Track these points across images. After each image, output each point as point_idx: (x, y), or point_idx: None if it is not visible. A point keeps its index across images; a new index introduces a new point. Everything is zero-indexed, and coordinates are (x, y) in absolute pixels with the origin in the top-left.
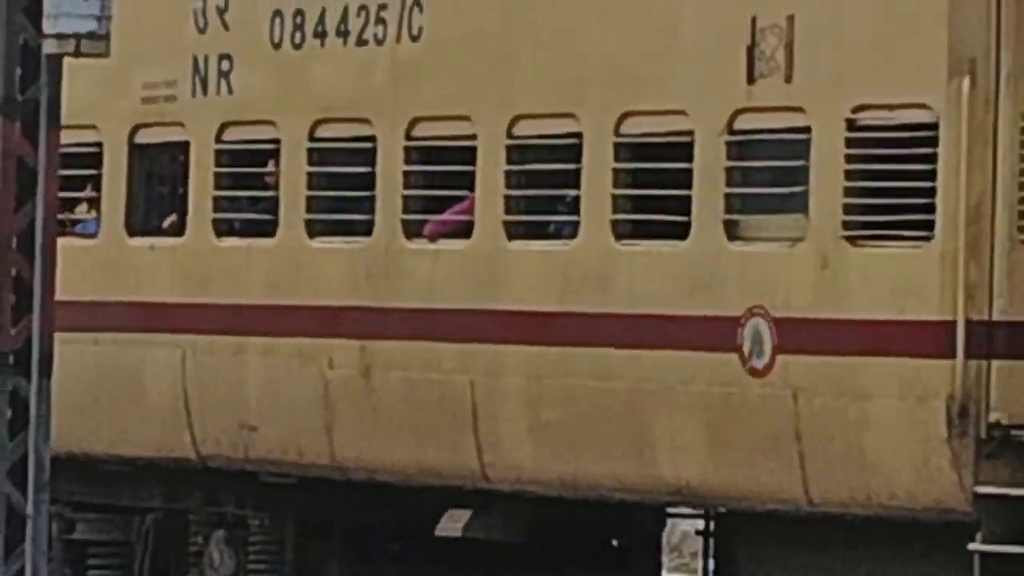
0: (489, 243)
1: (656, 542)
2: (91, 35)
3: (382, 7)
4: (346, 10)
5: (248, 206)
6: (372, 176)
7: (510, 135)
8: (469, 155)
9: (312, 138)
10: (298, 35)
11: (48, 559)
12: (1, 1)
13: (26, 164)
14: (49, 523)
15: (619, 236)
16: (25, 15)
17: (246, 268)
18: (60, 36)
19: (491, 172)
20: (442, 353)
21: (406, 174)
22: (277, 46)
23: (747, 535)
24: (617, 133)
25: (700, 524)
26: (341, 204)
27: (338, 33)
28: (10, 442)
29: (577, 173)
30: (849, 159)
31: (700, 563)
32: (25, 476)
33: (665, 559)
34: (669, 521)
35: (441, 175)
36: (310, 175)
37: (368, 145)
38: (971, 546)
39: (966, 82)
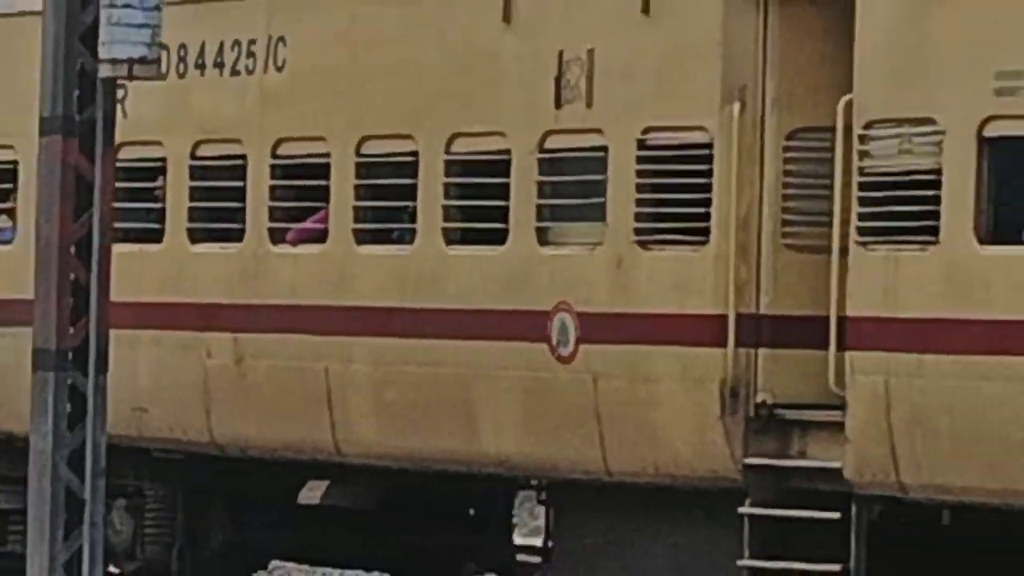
0: (341, 248)
1: (509, 510)
2: (142, 60)
3: (252, 42)
4: (222, 45)
5: (140, 216)
6: (243, 190)
7: (359, 153)
8: (324, 171)
9: (193, 156)
10: (182, 66)
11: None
12: (60, 29)
13: (84, 178)
14: (103, 507)
15: (449, 242)
16: (82, 42)
17: (138, 270)
18: (114, 61)
19: (343, 186)
20: (302, 344)
21: (272, 188)
22: (164, 76)
23: (570, 502)
24: (448, 152)
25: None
26: (218, 214)
27: (215, 65)
28: (69, 432)
29: (414, 187)
30: (639, 174)
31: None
32: (83, 464)
33: (517, 525)
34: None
35: (301, 189)
36: (192, 189)
37: (240, 162)
38: (741, 510)
39: (736, 107)
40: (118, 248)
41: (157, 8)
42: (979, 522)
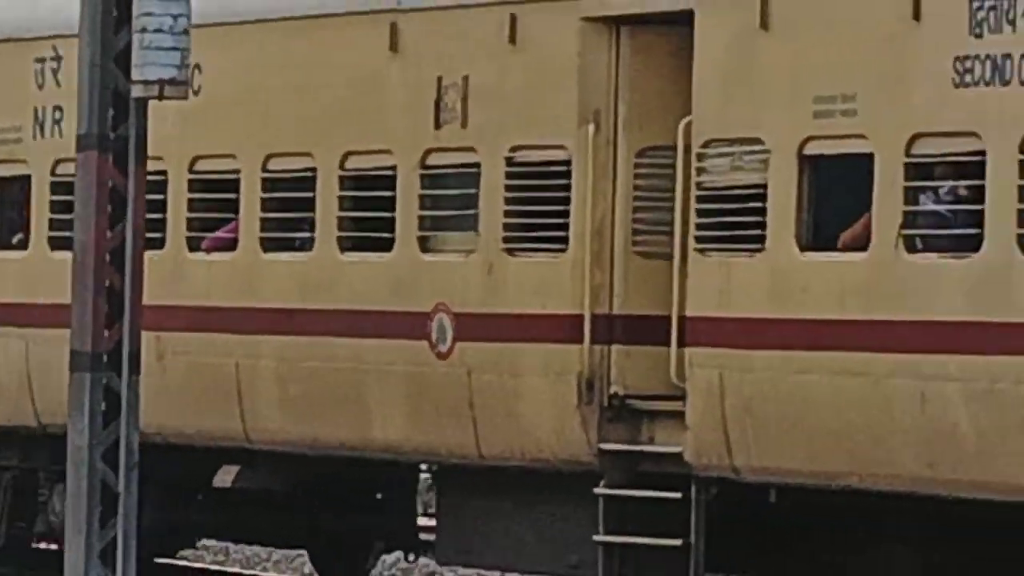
0: (249, 255)
1: (413, 493)
2: (172, 81)
3: None
4: None
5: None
6: (164, 202)
7: (265, 169)
8: (235, 185)
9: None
10: None
11: None
12: (96, 51)
13: (118, 191)
14: (136, 499)
15: (343, 249)
16: (116, 64)
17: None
18: (146, 82)
19: (251, 199)
20: (215, 341)
21: (189, 201)
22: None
23: (452, 484)
24: (342, 168)
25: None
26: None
27: None
28: (104, 429)
29: (313, 200)
30: (508, 188)
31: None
32: (117, 458)
33: (421, 506)
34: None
35: (215, 201)
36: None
37: (162, 178)
38: (596, 490)
39: (591, 128)
40: (55, 255)
41: (185, 33)
42: (802, 500)
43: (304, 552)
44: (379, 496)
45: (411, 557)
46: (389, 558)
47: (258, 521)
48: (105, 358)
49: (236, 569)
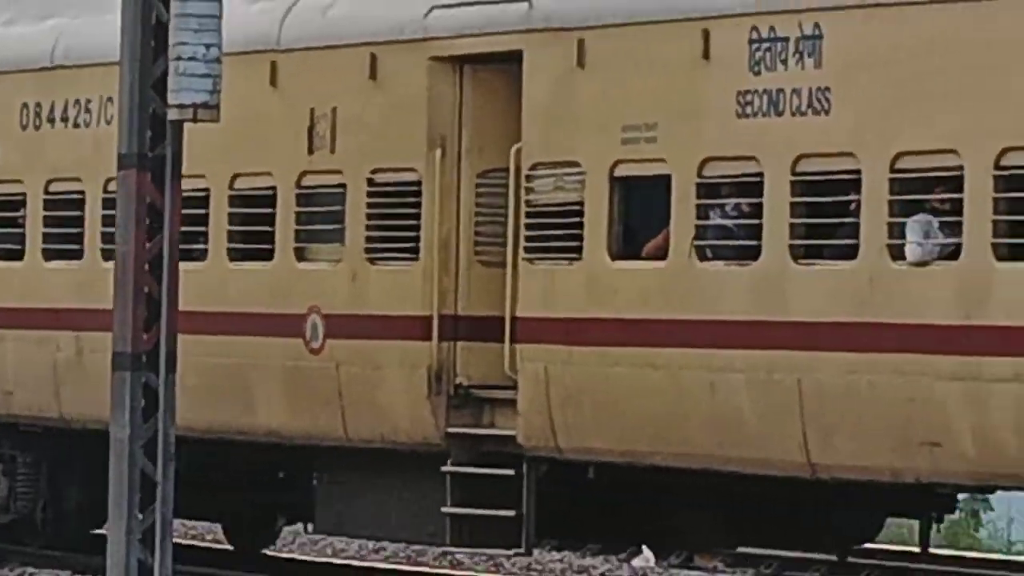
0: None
1: (311, 471)
2: (204, 105)
3: (88, 101)
4: (66, 103)
5: (5, 238)
6: (83, 218)
7: None
8: None
9: (46, 192)
10: (37, 120)
11: None
12: (135, 78)
13: (155, 206)
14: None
15: (232, 259)
16: (154, 89)
17: (5, 282)
18: (181, 106)
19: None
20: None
21: (103, 216)
22: (24, 127)
23: (329, 464)
24: (231, 188)
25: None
26: (64, 238)
27: (61, 119)
28: (143, 424)
29: (207, 216)
30: (369, 206)
31: None
32: (155, 450)
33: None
34: None
35: None
36: (45, 218)
37: (80, 196)
38: (444, 468)
39: (439, 153)
40: None
41: (217, 61)
42: (617, 476)
43: (217, 523)
44: (281, 475)
45: (310, 527)
46: (290, 529)
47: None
48: (144, 358)
49: None
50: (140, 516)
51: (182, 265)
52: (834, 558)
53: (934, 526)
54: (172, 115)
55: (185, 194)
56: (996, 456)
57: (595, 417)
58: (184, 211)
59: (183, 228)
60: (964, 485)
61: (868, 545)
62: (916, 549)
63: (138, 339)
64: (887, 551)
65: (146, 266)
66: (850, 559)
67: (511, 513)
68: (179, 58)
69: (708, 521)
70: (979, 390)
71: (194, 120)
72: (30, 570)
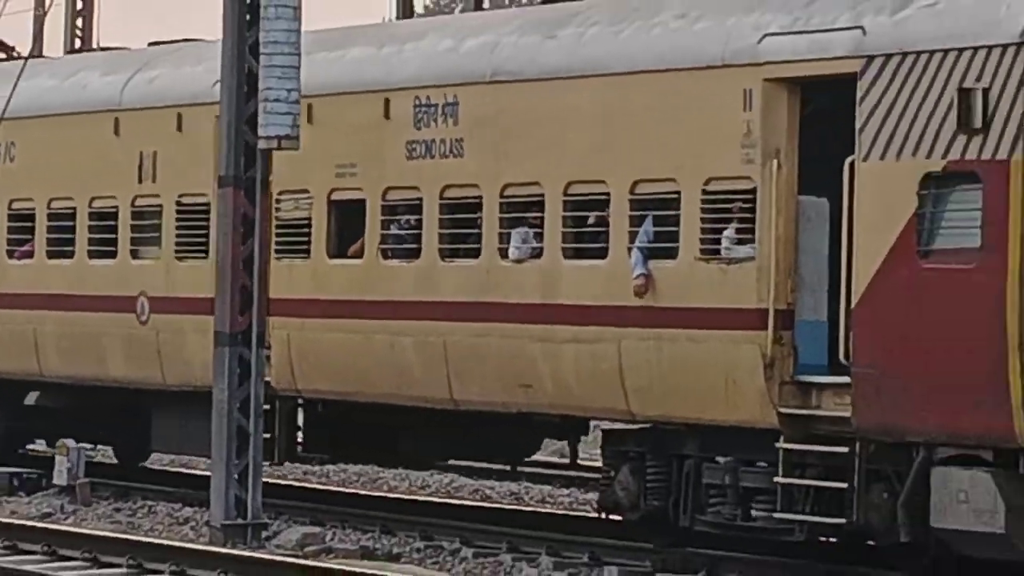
0: (39, 261)
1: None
2: (287, 136)
3: None
4: None
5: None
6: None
7: (50, 207)
8: (32, 218)
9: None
10: None
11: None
12: (232, 115)
13: (248, 217)
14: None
15: (90, 257)
16: (247, 124)
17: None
18: (268, 137)
19: (40, 228)
20: (20, 315)
21: (8, 228)
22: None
23: (158, 403)
24: (90, 207)
25: None
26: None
27: None
28: (239, 387)
29: (74, 227)
30: (177, 221)
31: None
32: (248, 408)
33: None
34: None
35: (23, 229)
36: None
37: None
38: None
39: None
40: None
41: (296, 102)
42: (338, 409)
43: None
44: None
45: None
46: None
47: (59, 427)
48: (239, 337)
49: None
50: (236, 460)
51: (57, 261)
52: (507, 467)
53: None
54: (261, 144)
55: (61, 211)
56: (565, 394)
57: (319, 368)
58: (62, 223)
59: (62, 235)
60: (548, 414)
61: (534, 458)
62: (567, 460)
63: (235, 322)
64: (547, 463)
65: (240, 264)
66: (519, 468)
67: (266, 436)
68: (267, 100)
69: (415, 439)
70: (554, 349)
71: (279, 148)
72: (150, 502)
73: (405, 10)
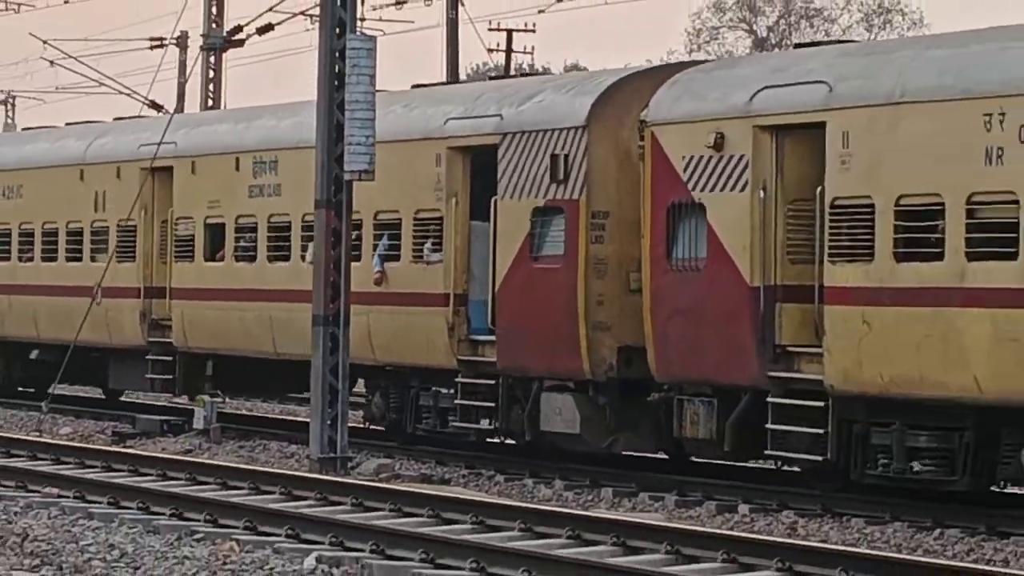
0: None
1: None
2: (365, 171)
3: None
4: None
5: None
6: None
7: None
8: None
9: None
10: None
11: None
12: (325, 155)
13: (337, 231)
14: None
15: (67, 260)
16: (336, 162)
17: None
18: (351, 171)
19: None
20: None
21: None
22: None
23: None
24: (66, 228)
25: None
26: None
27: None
28: (330, 356)
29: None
30: (117, 236)
31: None
32: (337, 371)
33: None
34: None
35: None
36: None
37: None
38: (147, 358)
39: (142, 211)
40: None
41: (372, 145)
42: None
43: None
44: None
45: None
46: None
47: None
48: (331, 318)
49: None
50: (329, 410)
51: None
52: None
53: None
54: (347, 176)
55: (49, 228)
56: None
57: (206, 333)
58: (50, 239)
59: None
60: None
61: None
62: None
63: (327, 307)
64: None
65: (332, 264)
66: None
67: (170, 377)
68: (350, 144)
69: (284, 380)
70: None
71: (359, 180)
72: (265, 441)
73: (452, 75)
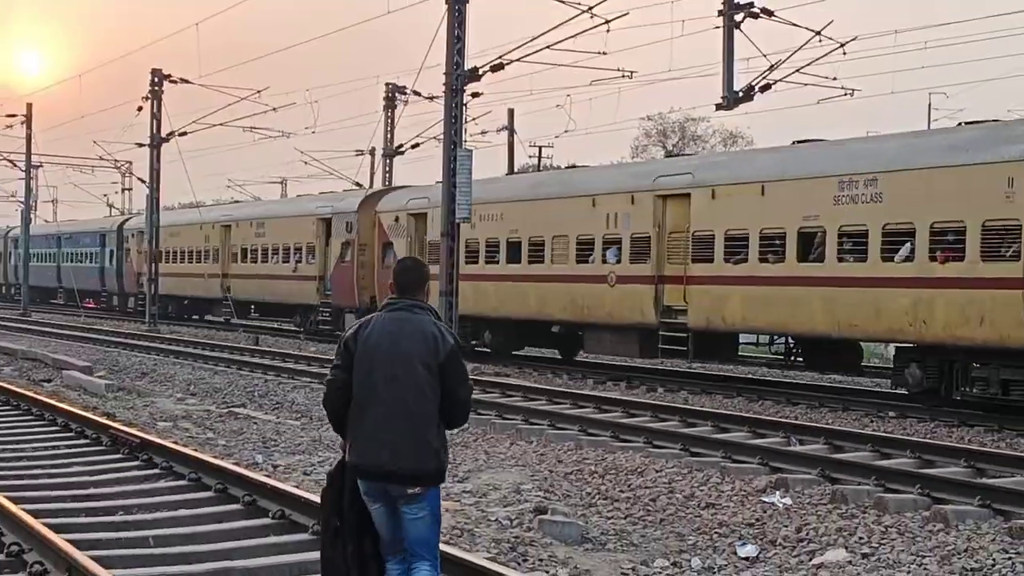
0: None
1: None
2: (465, 218)
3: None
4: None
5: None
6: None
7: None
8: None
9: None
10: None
11: None
12: (448, 205)
13: (452, 250)
14: None
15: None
16: (451, 211)
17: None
18: (459, 216)
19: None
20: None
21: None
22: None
23: None
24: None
25: None
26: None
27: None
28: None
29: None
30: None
31: None
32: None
33: None
34: None
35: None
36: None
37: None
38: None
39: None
40: None
41: (469, 206)
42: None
43: None
44: None
45: None
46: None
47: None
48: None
49: None
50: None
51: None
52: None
53: None
54: (456, 219)
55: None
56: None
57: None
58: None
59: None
60: None
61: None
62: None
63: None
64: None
65: (449, 268)
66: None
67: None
68: (458, 204)
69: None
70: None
71: (465, 222)
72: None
73: (511, 167)
